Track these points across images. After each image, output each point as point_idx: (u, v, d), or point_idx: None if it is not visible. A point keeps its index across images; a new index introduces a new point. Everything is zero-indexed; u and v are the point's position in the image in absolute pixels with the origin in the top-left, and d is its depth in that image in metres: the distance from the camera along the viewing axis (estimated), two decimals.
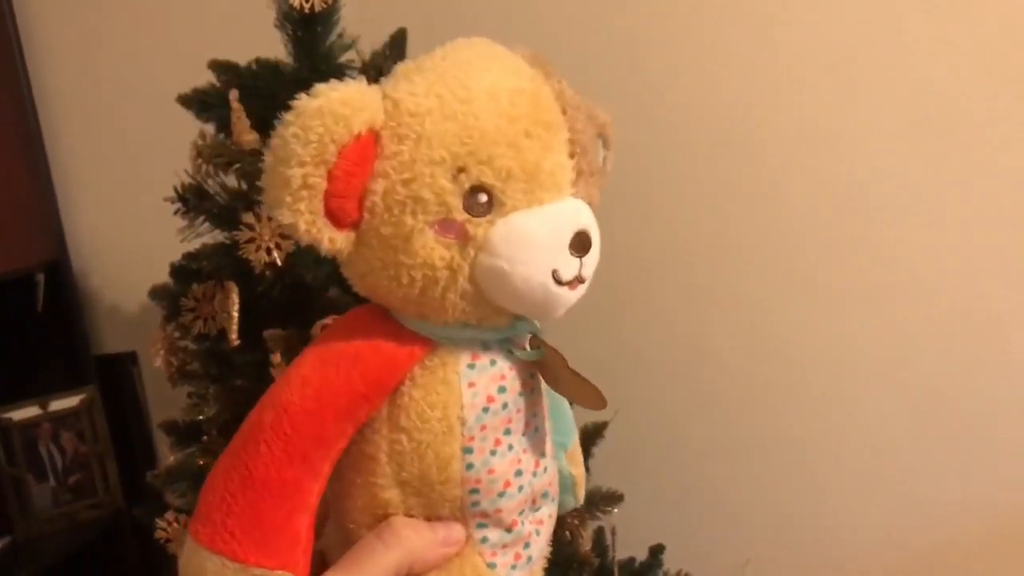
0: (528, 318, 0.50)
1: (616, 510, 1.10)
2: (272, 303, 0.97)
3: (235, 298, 0.96)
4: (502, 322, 0.49)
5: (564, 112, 0.48)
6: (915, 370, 1.25)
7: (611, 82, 1.23)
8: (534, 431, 0.51)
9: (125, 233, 1.46)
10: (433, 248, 0.45)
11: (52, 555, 1.35)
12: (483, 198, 0.45)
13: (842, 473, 1.32)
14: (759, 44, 1.21)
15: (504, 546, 0.51)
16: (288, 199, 0.44)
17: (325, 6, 0.96)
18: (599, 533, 1.15)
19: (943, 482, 1.28)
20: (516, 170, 0.45)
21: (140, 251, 1.42)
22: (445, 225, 0.45)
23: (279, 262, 0.93)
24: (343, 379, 0.48)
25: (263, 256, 0.93)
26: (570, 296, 0.47)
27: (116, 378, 1.48)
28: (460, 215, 0.45)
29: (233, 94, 0.95)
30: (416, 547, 0.48)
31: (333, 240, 0.46)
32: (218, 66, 1.00)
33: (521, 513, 0.51)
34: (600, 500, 1.08)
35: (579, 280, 0.47)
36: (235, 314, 0.96)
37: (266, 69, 0.99)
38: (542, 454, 0.52)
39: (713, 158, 1.24)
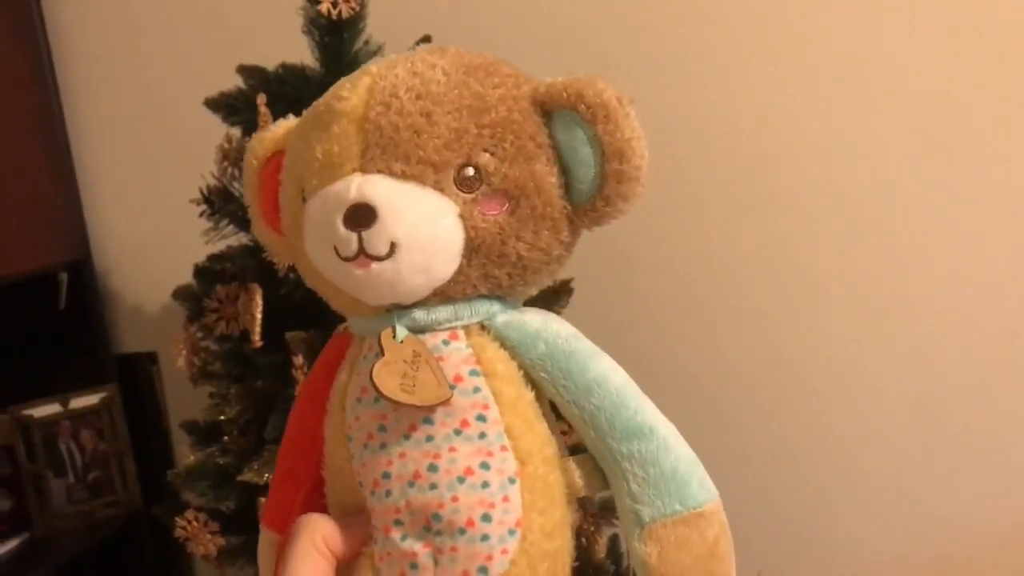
0: (402, 306, 0.49)
1: None
2: (295, 305, 0.97)
3: (258, 300, 0.97)
4: (366, 310, 0.50)
5: (369, 97, 0.48)
6: (927, 381, 1.25)
7: (622, 90, 1.24)
8: (425, 439, 0.47)
9: (147, 234, 1.48)
10: (296, 240, 0.51)
11: (70, 552, 1.36)
12: (306, 189, 0.50)
13: (854, 484, 1.31)
14: (771, 53, 1.21)
15: (388, 554, 0.48)
16: (250, 214, 0.56)
17: (352, 13, 0.97)
18: (614, 541, 1.15)
19: (956, 494, 1.27)
20: (308, 158, 0.49)
21: (161, 252, 1.44)
22: (297, 220, 0.51)
23: None
24: (313, 369, 0.57)
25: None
26: (359, 274, 0.46)
27: (136, 377, 1.49)
28: (299, 207, 0.50)
29: (261, 98, 0.96)
30: (319, 523, 0.49)
31: (276, 244, 0.56)
32: (246, 70, 1.01)
33: (398, 524, 0.47)
34: (615, 507, 1.08)
35: (367, 256, 0.45)
36: (258, 316, 0.97)
37: (293, 74, 1.00)
38: (431, 468, 0.47)
39: (722, 165, 1.25)
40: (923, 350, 1.24)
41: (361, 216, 0.45)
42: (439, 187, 0.46)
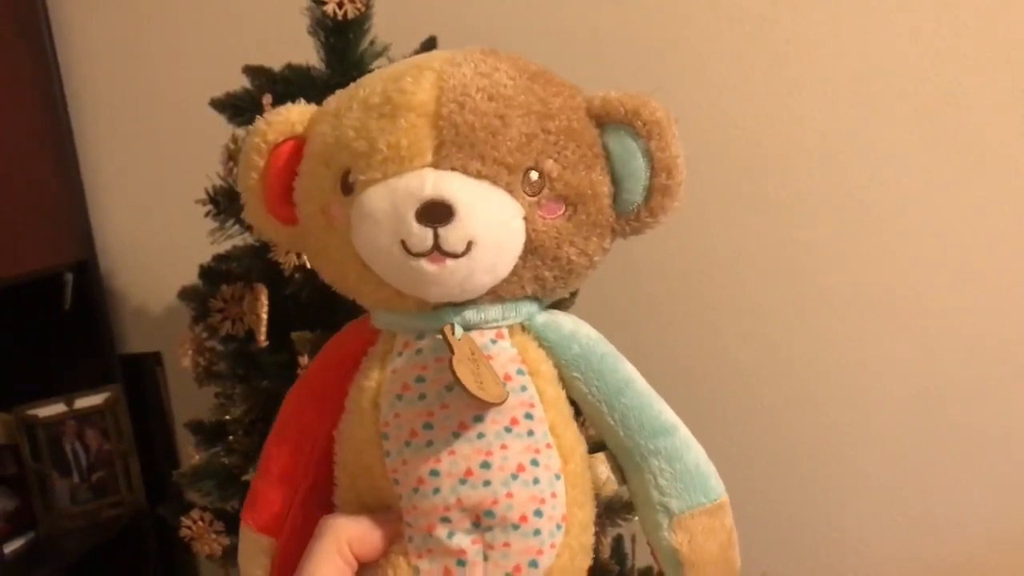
0: (453, 304, 0.49)
1: (635, 518, 1.10)
2: (300, 305, 0.98)
3: (264, 300, 0.98)
4: (410, 306, 0.49)
5: (440, 93, 0.47)
6: (932, 382, 1.25)
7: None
8: (476, 436, 0.48)
9: (152, 234, 1.48)
10: (327, 231, 0.50)
11: (74, 552, 1.36)
12: (351, 179, 0.48)
13: (859, 486, 1.31)
14: (777, 55, 1.21)
15: (429, 551, 0.48)
16: (243, 201, 0.53)
17: (358, 14, 0.97)
18: (618, 541, 1.15)
19: (960, 495, 1.27)
20: (365, 149, 0.47)
21: (167, 253, 1.44)
22: (330, 209, 0.49)
23: (308, 265, 0.94)
24: (317, 366, 0.56)
25: (293, 259, 0.95)
26: (432, 270, 0.46)
27: (140, 377, 1.49)
28: (335, 198, 0.49)
29: (266, 99, 0.96)
30: (346, 526, 0.49)
31: (277, 233, 0.54)
32: (252, 71, 1.01)
33: (445, 521, 0.48)
34: (620, 508, 1.09)
35: (443, 252, 0.45)
36: (264, 316, 0.97)
37: (299, 75, 1.00)
38: (484, 465, 0.48)
39: (727, 165, 1.25)
40: (928, 351, 1.24)
41: (438, 213, 0.45)
42: (509, 188, 0.47)
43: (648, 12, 1.24)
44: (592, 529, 0.52)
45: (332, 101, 0.52)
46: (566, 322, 0.53)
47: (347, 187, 0.48)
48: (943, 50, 1.16)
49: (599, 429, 0.53)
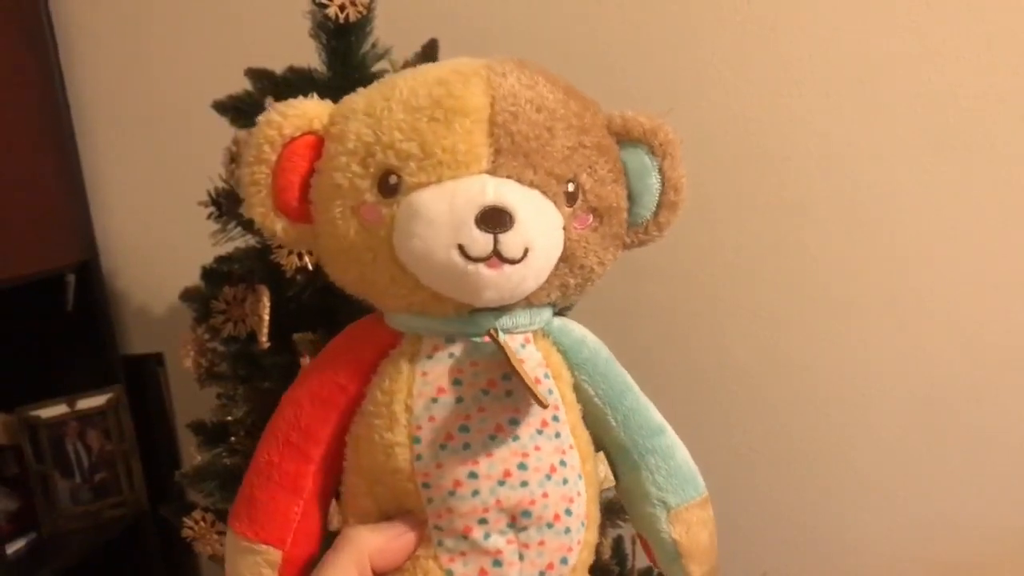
0: (488, 308, 0.49)
1: None
2: (302, 307, 0.98)
3: (266, 301, 0.98)
4: (447, 310, 0.49)
5: (492, 101, 0.48)
6: (935, 384, 1.25)
7: (633, 97, 1.25)
8: (512, 438, 0.49)
9: (154, 236, 1.48)
10: (356, 231, 0.49)
11: (76, 552, 1.37)
12: (392, 180, 0.48)
13: (860, 486, 1.32)
14: (780, 56, 1.22)
15: (462, 554, 0.49)
16: (245, 194, 0.51)
17: (360, 17, 0.97)
18: (618, 542, 1.15)
19: (962, 496, 1.28)
20: (415, 151, 0.47)
21: (169, 254, 1.45)
22: (363, 209, 0.48)
23: (310, 267, 0.94)
24: (322, 369, 0.53)
25: (295, 260, 0.95)
26: (490, 275, 0.46)
27: (142, 378, 1.50)
28: (372, 197, 0.48)
29: (269, 101, 0.96)
30: (367, 539, 0.48)
31: (285, 230, 0.52)
32: (254, 73, 1.01)
33: (482, 522, 0.48)
34: (620, 509, 1.09)
35: (501, 258, 0.46)
36: (266, 317, 0.97)
37: (300, 77, 1.00)
38: (521, 466, 0.49)
39: (731, 166, 1.25)
40: (930, 353, 1.24)
41: (499, 219, 0.46)
42: (555, 198, 0.49)
43: (650, 16, 1.24)
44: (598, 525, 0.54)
45: (358, 100, 0.51)
46: (575, 327, 0.55)
47: (387, 188, 0.48)
48: (944, 51, 1.16)
49: (599, 429, 0.54)
